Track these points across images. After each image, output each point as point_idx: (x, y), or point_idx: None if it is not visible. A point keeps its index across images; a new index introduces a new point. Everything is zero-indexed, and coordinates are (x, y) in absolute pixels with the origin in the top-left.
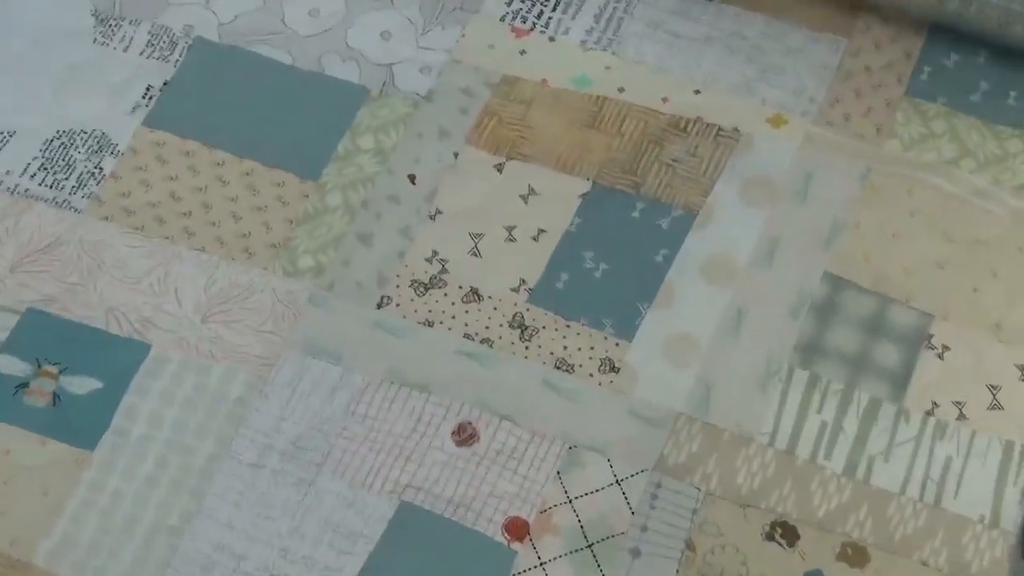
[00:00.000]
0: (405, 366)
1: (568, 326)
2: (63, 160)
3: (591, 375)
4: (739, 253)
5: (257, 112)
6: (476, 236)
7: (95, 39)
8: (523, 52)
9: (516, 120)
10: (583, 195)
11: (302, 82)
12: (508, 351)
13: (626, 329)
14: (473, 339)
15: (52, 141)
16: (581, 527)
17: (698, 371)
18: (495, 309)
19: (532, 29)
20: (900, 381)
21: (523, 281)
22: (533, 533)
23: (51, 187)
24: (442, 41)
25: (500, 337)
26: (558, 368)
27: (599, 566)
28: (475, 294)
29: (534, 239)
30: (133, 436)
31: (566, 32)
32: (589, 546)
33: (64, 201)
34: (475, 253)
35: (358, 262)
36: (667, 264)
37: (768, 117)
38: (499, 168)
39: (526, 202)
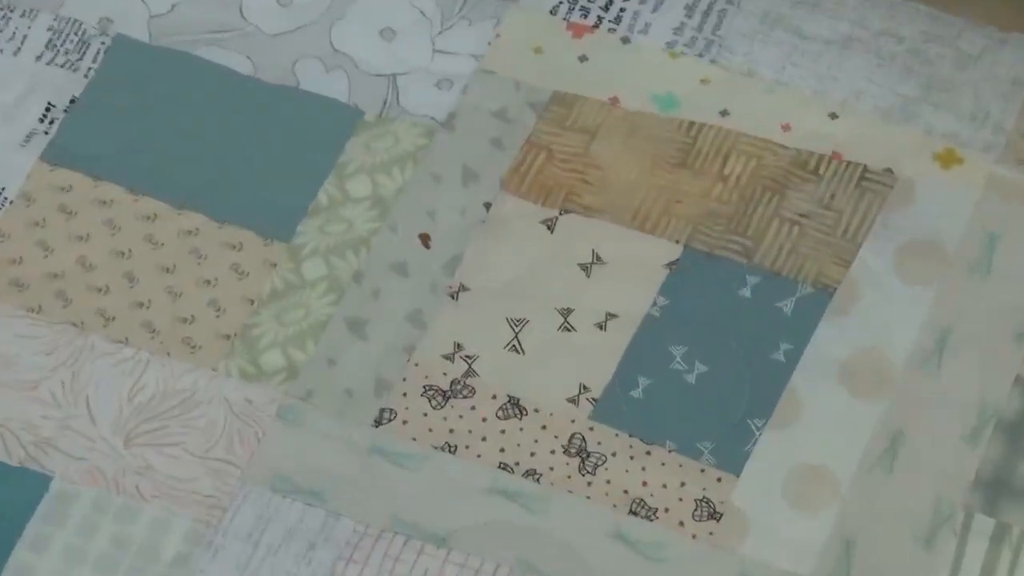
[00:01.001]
0: (415, 509)
1: (648, 453)
2: None
3: (681, 523)
4: (894, 350)
5: (204, 144)
6: (517, 323)
7: None
8: (584, 59)
9: (574, 156)
10: (671, 264)
11: (268, 100)
12: (562, 488)
13: (732, 458)
14: (512, 471)
15: None
16: None
17: (836, 518)
18: (544, 428)
19: (597, 26)
20: None
21: (584, 388)
22: None
23: None
24: (468, 42)
25: (551, 468)
26: (634, 513)
27: None
28: (516, 406)
29: (600, 327)
30: None
31: (645, 30)
32: None
33: None
34: (515, 348)
35: (348, 360)
36: (791, 364)
37: (935, 153)
38: (549, 225)
39: (588, 274)
